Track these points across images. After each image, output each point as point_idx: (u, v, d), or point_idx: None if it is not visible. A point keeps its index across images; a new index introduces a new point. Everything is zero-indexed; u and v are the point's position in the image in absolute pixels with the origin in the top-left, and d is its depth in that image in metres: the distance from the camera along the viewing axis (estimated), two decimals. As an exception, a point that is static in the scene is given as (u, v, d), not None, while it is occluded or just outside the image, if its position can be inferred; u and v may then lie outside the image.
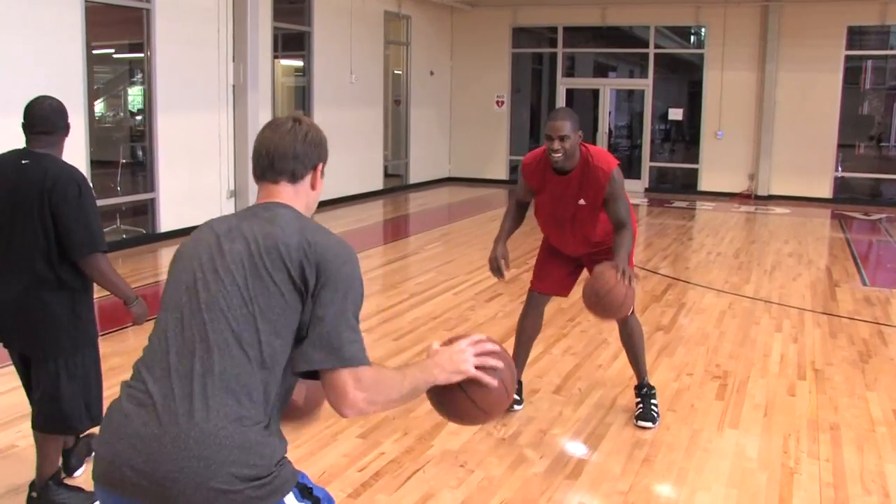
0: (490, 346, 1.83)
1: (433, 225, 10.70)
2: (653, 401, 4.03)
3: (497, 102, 15.47)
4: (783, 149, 13.80)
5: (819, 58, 13.50)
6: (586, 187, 3.64)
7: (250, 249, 1.69)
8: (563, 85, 15.22)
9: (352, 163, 12.25)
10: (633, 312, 3.94)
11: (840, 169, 13.92)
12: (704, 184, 14.43)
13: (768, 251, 8.97)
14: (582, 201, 3.67)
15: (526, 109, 16.32)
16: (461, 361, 1.78)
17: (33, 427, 3.02)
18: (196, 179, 9.43)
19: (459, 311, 6.14)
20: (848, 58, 13.57)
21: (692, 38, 15.02)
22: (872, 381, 4.71)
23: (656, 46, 14.63)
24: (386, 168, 14.21)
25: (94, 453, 1.67)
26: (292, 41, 11.77)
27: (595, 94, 15.16)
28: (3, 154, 2.96)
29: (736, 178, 14.17)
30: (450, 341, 1.86)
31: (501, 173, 15.64)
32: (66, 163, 2.92)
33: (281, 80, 12.61)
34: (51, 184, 2.80)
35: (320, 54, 11.60)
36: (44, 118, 2.91)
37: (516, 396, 4.05)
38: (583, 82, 15.79)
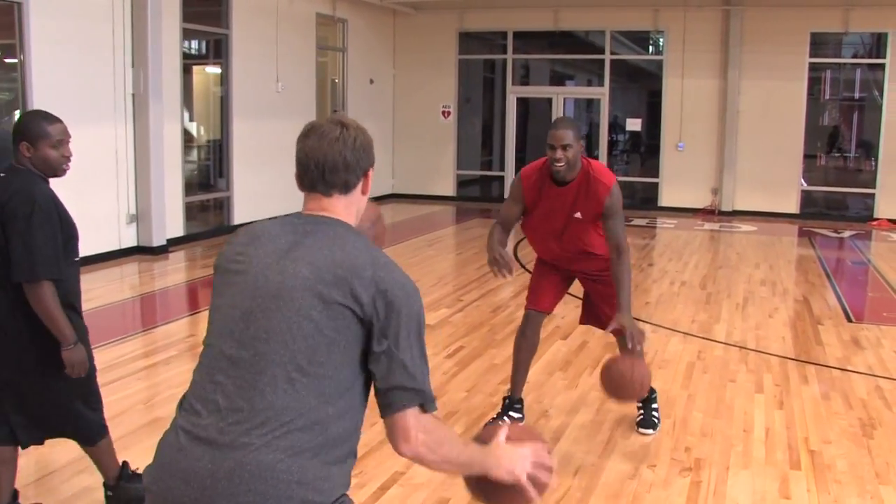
0: (547, 461, 1.78)
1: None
2: (654, 405, 4.02)
3: (443, 113, 14.39)
4: (747, 161, 12.95)
5: (783, 65, 12.70)
6: (584, 200, 3.59)
7: (320, 276, 1.58)
8: (512, 94, 14.20)
9: (278, 178, 11.00)
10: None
11: (805, 182, 13.13)
12: (665, 199, 13.50)
13: (738, 278, 7.98)
14: (578, 214, 3.62)
15: (477, 120, 15.24)
16: (519, 465, 1.73)
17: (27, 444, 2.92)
18: (88, 203, 8.12)
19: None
20: (810, 65, 12.79)
21: (651, 44, 14.12)
22: (884, 468, 3.67)
23: (612, 53, 13.70)
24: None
25: (145, 489, 1.57)
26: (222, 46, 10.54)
27: (557, 103, 14.16)
28: None
29: (698, 192, 13.28)
30: (521, 431, 1.86)
31: (448, 189, 14.54)
32: (34, 180, 2.73)
33: (212, 90, 11.38)
34: (5, 199, 2.66)
35: (240, 60, 10.39)
36: (12, 129, 2.79)
37: (517, 416, 4.05)
38: (533, 91, 14.82)
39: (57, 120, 2.82)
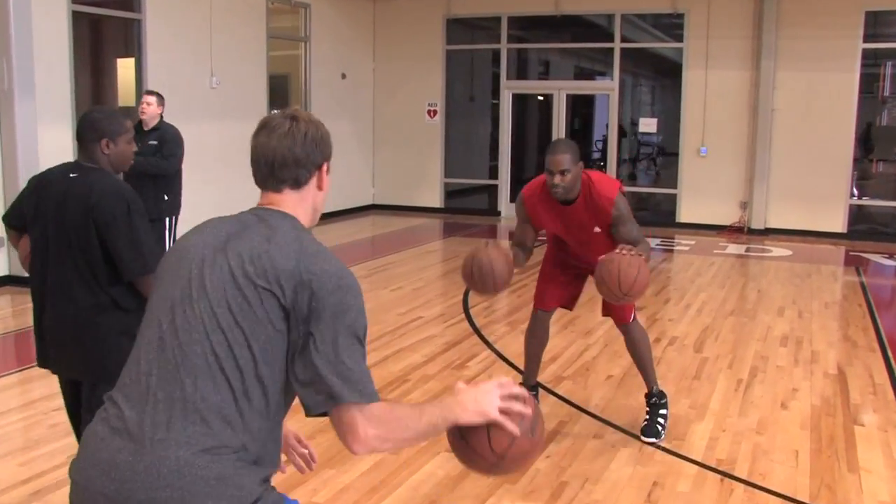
0: (517, 391, 1.67)
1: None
2: (661, 411, 3.95)
3: (429, 112, 12.54)
4: (783, 169, 10.79)
5: (829, 53, 10.52)
6: (594, 216, 3.65)
7: (243, 269, 1.57)
8: (507, 89, 12.27)
9: (211, 188, 9.31)
10: (635, 318, 3.93)
11: (856, 194, 10.91)
12: (684, 214, 11.40)
13: (752, 333, 5.95)
14: (597, 229, 3.69)
15: (477, 121, 13.23)
16: (486, 402, 1.62)
17: None
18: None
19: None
20: (864, 54, 10.57)
21: (669, 29, 12.02)
22: None
23: (624, 40, 11.66)
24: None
25: (70, 479, 1.57)
26: (133, 33, 8.89)
27: (559, 100, 12.16)
28: (55, 167, 2.85)
29: (724, 206, 11.15)
30: (475, 383, 1.72)
31: (435, 200, 12.68)
32: (114, 178, 2.77)
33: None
34: (96, 200, 2.66)
35: (159, 51, 8.71)
36: (81, 127, 2.78)
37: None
38: (531, 86, 12.86)
39: (126, 116, 2.86)
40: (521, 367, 4.71)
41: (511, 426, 1.61)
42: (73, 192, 2.69)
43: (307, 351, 1.52)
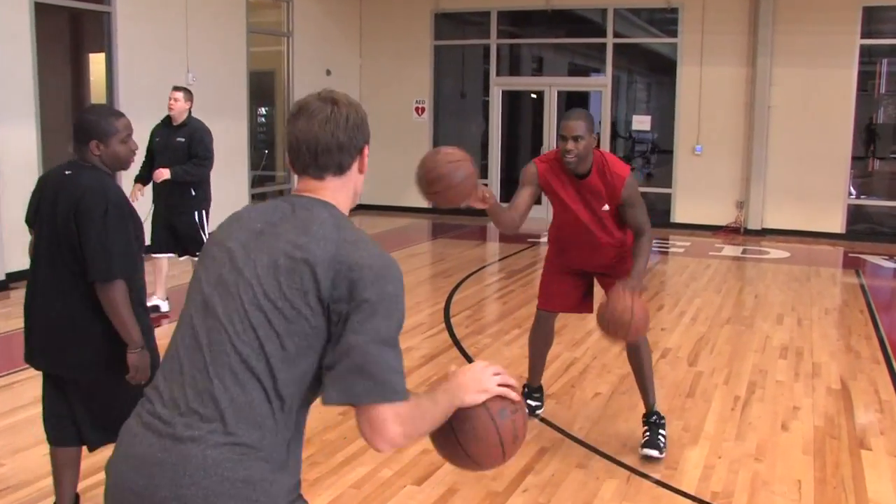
0: (497, 367, 1.65)
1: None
2: (661, 430, 3.77)
3: (416, 110, 12.18)
4: (780, 168, 10.49)
5: (826, 49, 10.21)
6: (606, 193, 3.61)
7: (277, 264, 1.52)
8: (497, 86, 11.92)
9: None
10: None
11: (854, 193, 10.60)
12: (679, 214, 11.08)
13: (749, 343, 5.63)
14: (606, 207, 3.63)
15: (467, 119, 12.89)
16: (485, 379, 1.61)
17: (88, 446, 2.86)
18: None
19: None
20: (860, 51, 10.26)
21: (663, 24, 11.69)
22: None
23: (617, 35, 11.33)
24: (265, 196, 11.01)
25: (105, 473, 1.56)
26: (103, 27, 8.51)
27: (550, 96, 11.83)
28: (57, 166, 2.85)
29: (720, 206, 10.84)
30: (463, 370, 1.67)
31: (422, 200, 12.28)
32: (104, 177, 2.74)
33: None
34: (79, 196, 2.65)
35: (130, 45, 8.34)
36: (74, 128, 2.79)
37: (535, 403, 4.11)
38: (522, 82, 12.51)
39: (121, 114, 2.81)
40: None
41: (514, 395, 1.62)
42: (64, 190, 2.70)
43: (342, 343, 1.47)
